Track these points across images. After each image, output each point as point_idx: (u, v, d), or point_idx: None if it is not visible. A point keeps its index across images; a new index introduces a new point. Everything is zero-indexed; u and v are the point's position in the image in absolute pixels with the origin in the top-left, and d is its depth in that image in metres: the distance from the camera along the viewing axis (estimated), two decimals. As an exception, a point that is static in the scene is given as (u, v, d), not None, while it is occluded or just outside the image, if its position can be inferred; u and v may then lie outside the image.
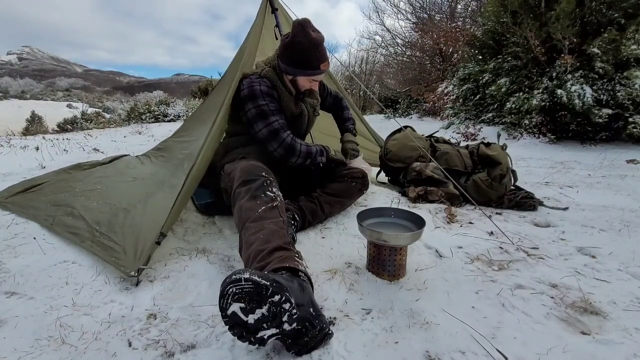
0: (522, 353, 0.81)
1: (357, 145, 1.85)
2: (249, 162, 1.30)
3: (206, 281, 1.12)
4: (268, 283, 0.73)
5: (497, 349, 0.81)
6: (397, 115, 9.19)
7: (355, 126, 1.94)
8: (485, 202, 1.93)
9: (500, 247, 1.38)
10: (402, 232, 1.15)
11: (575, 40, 4.12)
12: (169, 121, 9.14)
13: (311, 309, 0.80)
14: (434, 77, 9.78)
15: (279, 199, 1.16)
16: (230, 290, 0.72)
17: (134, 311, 0.97)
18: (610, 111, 3.88)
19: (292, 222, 1.42)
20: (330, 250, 1.34)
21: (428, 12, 11.27)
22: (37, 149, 3.55)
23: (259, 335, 0.74)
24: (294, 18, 1.87)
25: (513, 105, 4.60)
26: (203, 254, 1.30)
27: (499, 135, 2.93)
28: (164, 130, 6.08)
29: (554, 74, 4.31)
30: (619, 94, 3.78)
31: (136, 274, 1.07)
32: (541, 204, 1.94)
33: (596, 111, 3.89)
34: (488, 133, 4.97)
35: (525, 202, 1.90)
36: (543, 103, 4.25)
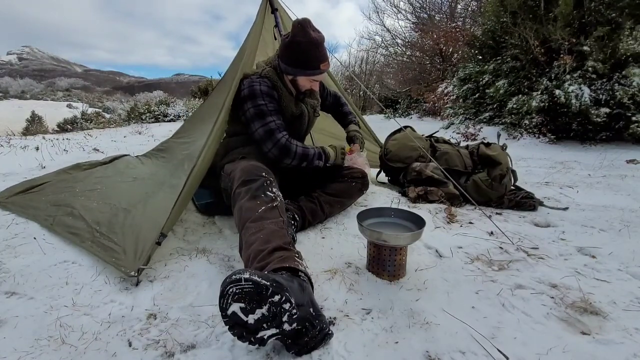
0: (522, 353, 0.81)
1: (361, 135, 1.86)
2: (249, 162, 1.30)
3: (206, 281, 1.12)
4: (268, 283, 0.73)
5: (497, 349, 0.81)
6: (397, 115, 9.20)
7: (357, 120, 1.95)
8: (485, 202, 1.93)
9: (500, 247, 1.38)
10: (402, 232, 1.15)
11: (574, 40, 4.13)
12: (169, 121, 9.13)
13: (311, 309, 0.80)
14: (434, 77, 9.77)
15: (279, 199, 1.16)
16: (230, 290, 0.72)
17: (134, 311, 0.97)
18: (608, 110, 3.88)
19: (292, 222, 1.42)
20: (330, 250, 1.34)
21: (428, 12, 11.28)
22: (37, 149, 3.55)
23: (259, 336, 0.74)
24: (293, 18, 1.87)
25: (513, 106, 4.60)
26: (203, 254, 1.30)
27: (499, 135, 2.93)
28: (164, 130, 6.08)
29: (553, 75, 4.31)
30: (617, 93, 3.78)
31: (136, 274, 1.07)
32: (541, 204, 1.94)
33: (594, 111, 3.89)
34: (488, 133, 4.97)
35: (525, 202, 1.90)
36: (542, 104, 4.25)
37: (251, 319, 0.73)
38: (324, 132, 2.67)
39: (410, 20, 11.72)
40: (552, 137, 4.38)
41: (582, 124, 4.19)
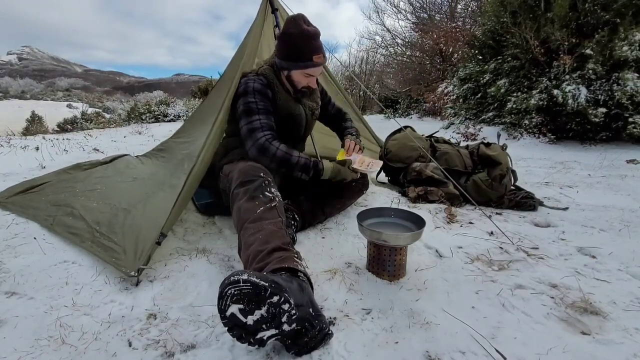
0: (522, 353, 0.81)
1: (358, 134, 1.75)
2: (247, 163, 1.30)
3: (206, 281, 1.12)
4: (267, 284, 0.73)
5: (496, 349, 0.81)
6: (397, 115, 9.19)
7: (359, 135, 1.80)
8: (485, 202, 1.93)
9: (500, 247, 1.38)
10: (402, 232, 1.15)
11: (574, 40, 4.13)
12: (169, 121, 9.13)
13: (310, 309, 0.80)
14: (434, 77, 9.77)
15: (277, 199, 1.16)
16: (229, 291, 0.72)
17: (134, 311, 0.97)
18: (605, 110, 3.88)
19: (292, 222, 1.42)
20: (330, 250, 1.34)
21: (428, 12, 11.27)
22: (37, 149, 3.55)
23: (258, 336, 0.74)
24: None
25: (513, 106, 4.60)
26: (203, 254, 1.30)
27: (499, 135, 2.94)
28: (164, 130, 6.08)
29: (553, 75, 4.31)
30: (616, 94, 3.78)
31: (136, 274, 1.07)
32: (541, 204, 1.94)
33: (592, 111, 3.90)
34: (488, 133, 4.97)
35: (525, 202, 1.90)
36: (541, 102, 4.25)
37: (250, 320, 0.73)
38: (324, 132, 2.66)
39: (410, 20, 11.73)
40: (552, 137, 4.38)
41: (581, 124, 4.19)
